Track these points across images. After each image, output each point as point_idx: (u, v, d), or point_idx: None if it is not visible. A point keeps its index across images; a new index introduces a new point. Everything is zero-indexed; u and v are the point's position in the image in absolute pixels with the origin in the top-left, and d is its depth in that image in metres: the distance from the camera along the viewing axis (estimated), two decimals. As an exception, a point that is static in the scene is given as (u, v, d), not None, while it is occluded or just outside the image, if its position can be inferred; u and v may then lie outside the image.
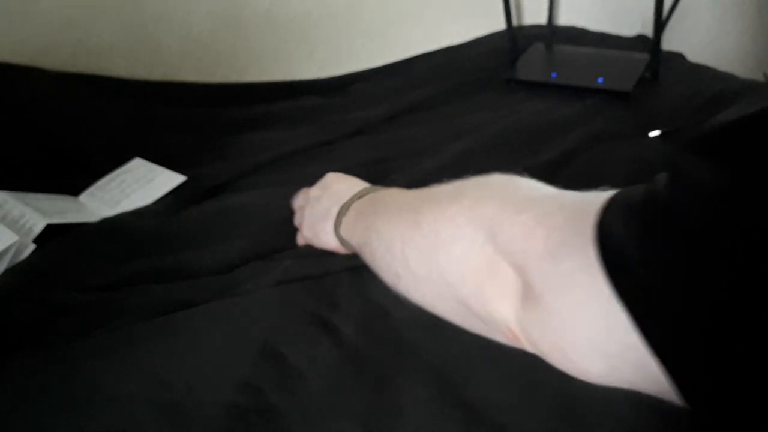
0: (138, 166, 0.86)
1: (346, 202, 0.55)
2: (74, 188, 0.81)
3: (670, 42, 1.14)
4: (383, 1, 1.23)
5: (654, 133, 0.86)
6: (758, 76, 1.02)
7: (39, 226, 0.68)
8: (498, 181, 0.44)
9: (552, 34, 1.24)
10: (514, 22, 1.26)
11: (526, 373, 0.39)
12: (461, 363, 0.44)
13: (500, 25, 1.23)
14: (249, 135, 0.96)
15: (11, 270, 0.64)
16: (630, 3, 1.22)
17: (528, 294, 0.34)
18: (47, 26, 0.99)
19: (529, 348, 0.38)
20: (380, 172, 0.83)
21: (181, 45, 1.11)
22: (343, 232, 0.56)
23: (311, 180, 0.80)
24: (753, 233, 0.20)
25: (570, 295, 0.31)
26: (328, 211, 0.56)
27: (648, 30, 1.11)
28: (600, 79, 1.01)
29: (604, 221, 0.30)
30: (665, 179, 0.27)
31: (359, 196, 0.55)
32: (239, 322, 0.56)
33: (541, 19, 1.29)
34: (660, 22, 1.01)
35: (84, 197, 0.81)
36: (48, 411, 0.47)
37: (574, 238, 0.31)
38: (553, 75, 1.05)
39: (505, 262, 0.37)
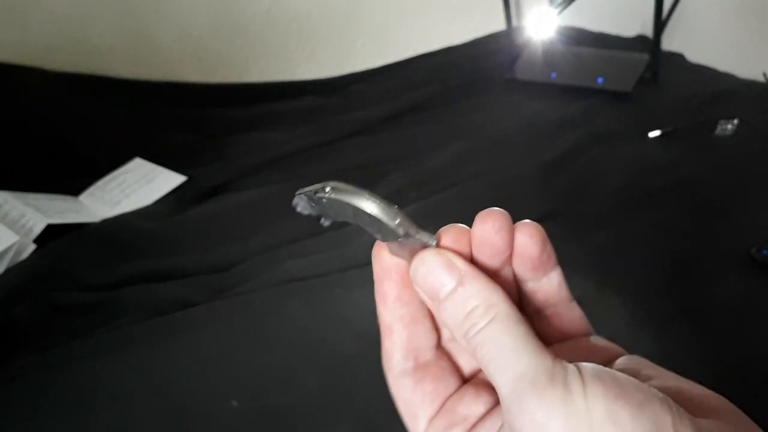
0: (138, 166, 0.86)
1: None
2: (74, 188, 0.81)
3: (670, 42, 1.14)
4: (383, 2, 1.23)
5: (654, 133, 0.86)
6: (758, 76, 1.02)
7: (39, 226, 0.68)
8: None
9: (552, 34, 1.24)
10: (514, 22, 1.26)
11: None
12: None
13: (500, 25, 1.23)
14: (249, 135, 0.96)
15: (11, 270, 0.64)
16: (630, 3, 1.22)
17: None
18: (47, 26, 0.99)
19: None
20: (380, 172, 0.83)
21: (181, 45, 1.11)
22: None
23: (311, 180, 0.80)
24: None
25: None
26: None
27: (648, 30, 1.11)
28: (600, 79, 1.01)
29: None
30: None
31: None
32: (239, 321, 0.56)
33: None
34: (660, 22, 1.01)
35: (84, 197, 0.81)
36: (48, 411, 0.47)
37: None
38: (553, 75, 1.05)
39: None
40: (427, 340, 0.22)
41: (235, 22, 1.14)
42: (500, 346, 0.19)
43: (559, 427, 0.17)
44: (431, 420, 0.21)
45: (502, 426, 0.20)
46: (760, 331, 0.53)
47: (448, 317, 0.20)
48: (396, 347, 0.22)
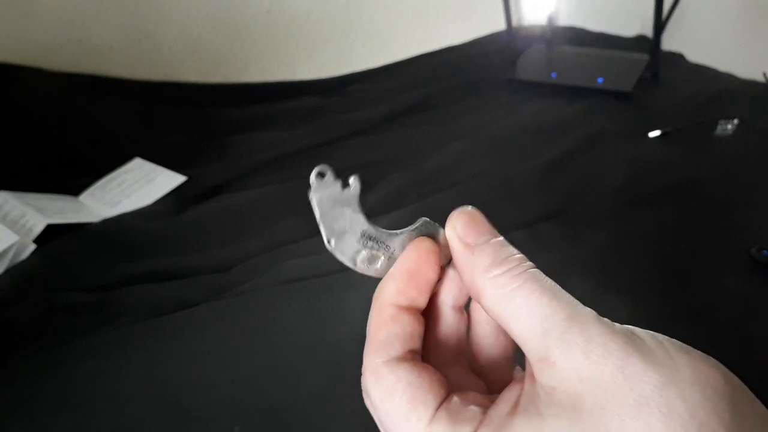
0: (138, 166, 0.86)
1: None
2: (74, 188, 0.81)
3: (670, 42, 1.14)
4: (383, 2, 1.23)
5: (654, 133, 0.86)
6: (758, 76, 1.02)
7: (39, 226, 0.68)
8: None
9: (552, 34, 1.24)
10: (514, 22, 1.26)
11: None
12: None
13: (500, 25, 1.23)
14: (249, 135, 0.96)
15: (11, 270, 0.64)
16: (630, 3, 1.22)
17: None
18: (47, 26, 0.99)
19: None
20: (380, 172, 0.83)
21: (181, 45, 1.11)
22: None
23: (309, 180, 0.80)
24: None
25: None
26: None
27: (648, 30, 1.11)
28: (600, 79, 1.01)
29: None
30: None
31: None
32: (239, 321, 0.56)
33: (541, 19, 1.29)
34: (660, 22, 1.01)
35: (84, 197, 0.81)
36: (48, 411, 0.47)
37: None
38: (553, 75, 1.05)
39: None
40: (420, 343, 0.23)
41: (235, 22, 1.14)
42: (550, 283, 0.20)
43: (620, 352, 0.18)
44: (445, 399, 0.21)
45: (522, 394, 0.20)
46: (760, 330, 0.53)
47: (486, 256, 0.21)
48: (404, 338, 0.23)
